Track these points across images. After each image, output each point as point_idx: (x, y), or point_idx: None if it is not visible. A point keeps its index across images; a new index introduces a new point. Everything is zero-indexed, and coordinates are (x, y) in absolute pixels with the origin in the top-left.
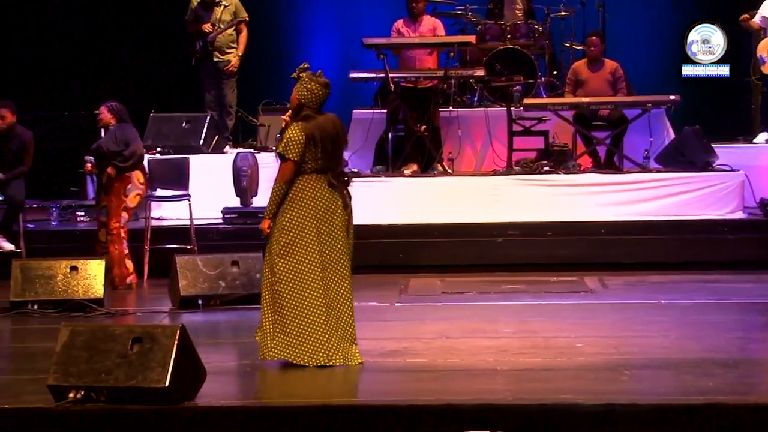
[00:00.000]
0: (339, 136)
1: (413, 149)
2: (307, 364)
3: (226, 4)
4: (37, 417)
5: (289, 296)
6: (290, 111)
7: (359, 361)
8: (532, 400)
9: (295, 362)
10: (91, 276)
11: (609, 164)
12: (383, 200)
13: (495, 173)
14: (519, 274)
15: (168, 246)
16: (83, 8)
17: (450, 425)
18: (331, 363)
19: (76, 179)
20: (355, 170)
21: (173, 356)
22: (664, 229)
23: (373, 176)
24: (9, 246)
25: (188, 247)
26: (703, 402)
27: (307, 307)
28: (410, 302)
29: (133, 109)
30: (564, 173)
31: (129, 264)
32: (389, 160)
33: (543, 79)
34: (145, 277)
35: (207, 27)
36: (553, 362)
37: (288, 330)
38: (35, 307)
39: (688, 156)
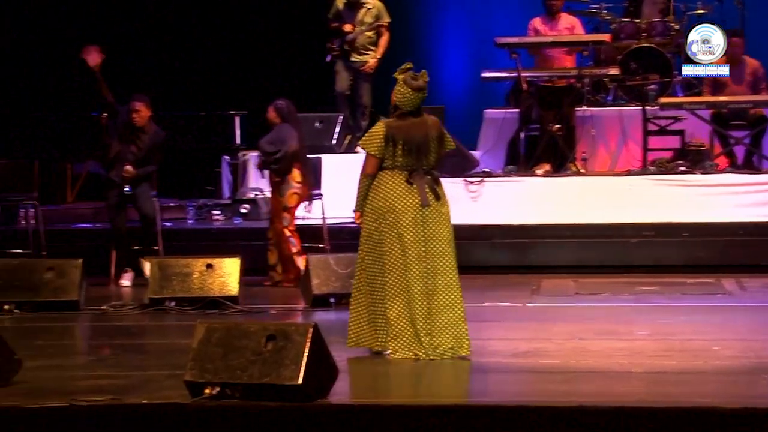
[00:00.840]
0: (427, 140)
1: (546, 149)
2: (394, 353)
3: (370, 7)
4: (174, 412)
5: (372, 286)
6: None
7: (459, 354)
8: (669, 403)
9: (381, 350)
10: (227, 274)
11: (747, 164)
12: (515, 200)
13: (629, 173)
14: (654, 276)
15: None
16: (217, 10)
17: (583, 428)
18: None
19: (212, 179)
20: (487, 170)
21: (306, 354)
22: None
23: (505, 176)
24: (126, 282)
25: (321, 246)
26: None
27: (382, 296)
28: (542, 303)
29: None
30: (701, 173)
31: (301, 263)
32: (521, 160)
33: (679, 77)
34: None
35: (348, 27)
36: (689, 365)
37: (374, 318)
38: (172, 304)
39: None
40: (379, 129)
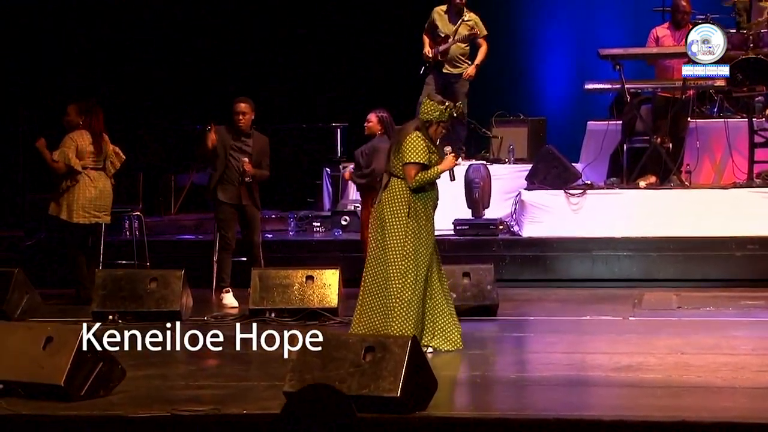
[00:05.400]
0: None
1: (651, 161)
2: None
3: (467, 19)
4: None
5: None
6: None
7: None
8: None
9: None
10: (326, 285)
11: None
12: (617, 213)
13: (735, 186)
14: (758, 290)
15: None
16: (319, 23)
17: None
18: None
19: (313, 191)
20: (589, 182)
21: (405, 366)
22: None
23: (607, 188)
24: (232, 302)
25: None
26: None
27: None
28: (644, 316)
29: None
30: None
31: None
32: (624, 172)
33: None
34: None
35: (442, 33)
36: None
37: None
38: (272, 315)
39: None
40: None
